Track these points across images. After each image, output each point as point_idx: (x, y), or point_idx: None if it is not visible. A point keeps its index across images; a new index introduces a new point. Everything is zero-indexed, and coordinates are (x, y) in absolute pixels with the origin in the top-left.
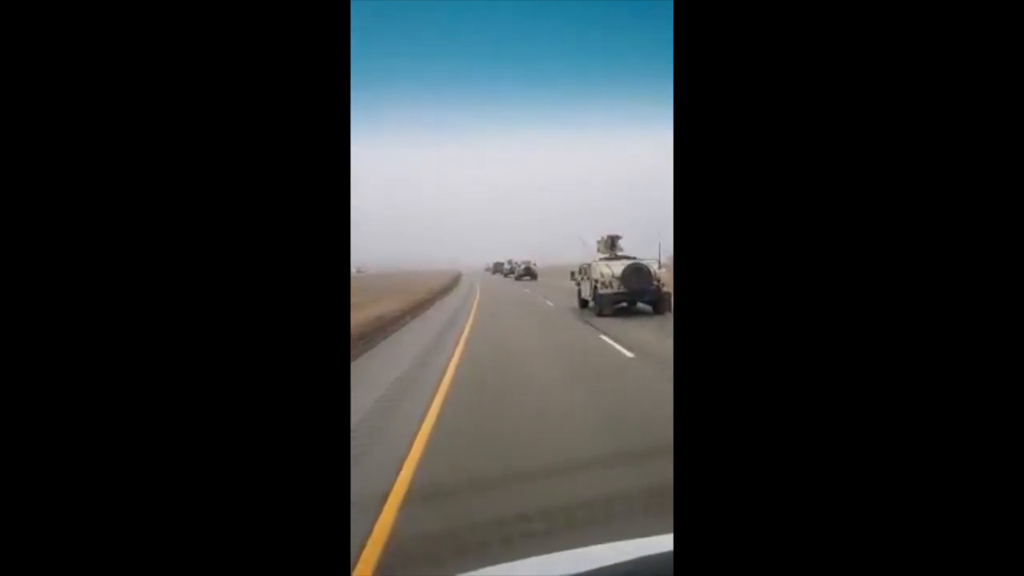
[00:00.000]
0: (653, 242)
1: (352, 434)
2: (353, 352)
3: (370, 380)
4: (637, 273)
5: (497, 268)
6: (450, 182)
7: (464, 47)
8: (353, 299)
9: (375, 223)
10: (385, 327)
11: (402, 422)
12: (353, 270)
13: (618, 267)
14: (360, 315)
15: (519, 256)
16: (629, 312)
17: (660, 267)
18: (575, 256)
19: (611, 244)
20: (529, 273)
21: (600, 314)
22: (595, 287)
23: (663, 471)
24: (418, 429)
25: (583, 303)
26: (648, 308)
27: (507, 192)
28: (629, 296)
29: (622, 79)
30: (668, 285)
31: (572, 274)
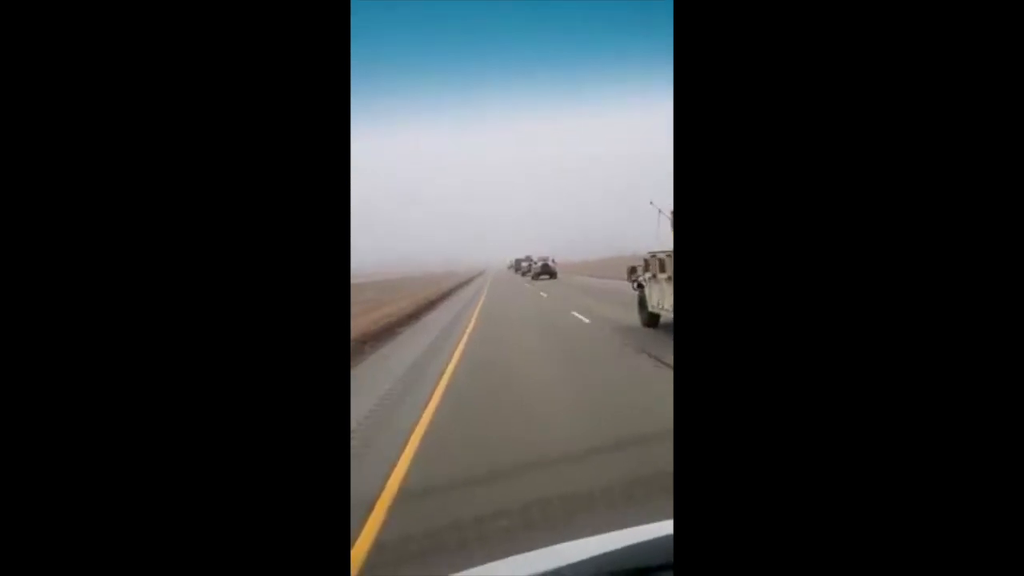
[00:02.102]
0: None
1: None
2: None
3: None
4: None
5: (518, 266)
6: (476, 181)
7: (484, 36)
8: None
9: (396, 224)
10: None
11: None
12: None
13: None
14: None
15: (542, 252)
16: None
17: None
18: (599, 254)
19: None
20: (547, 271)
21: None
22: None
23: None
24: None
25: (649, 319)
26: None
27: (532, 189)
28: None
29: (660, 64)
30: None
31: (632, 271)
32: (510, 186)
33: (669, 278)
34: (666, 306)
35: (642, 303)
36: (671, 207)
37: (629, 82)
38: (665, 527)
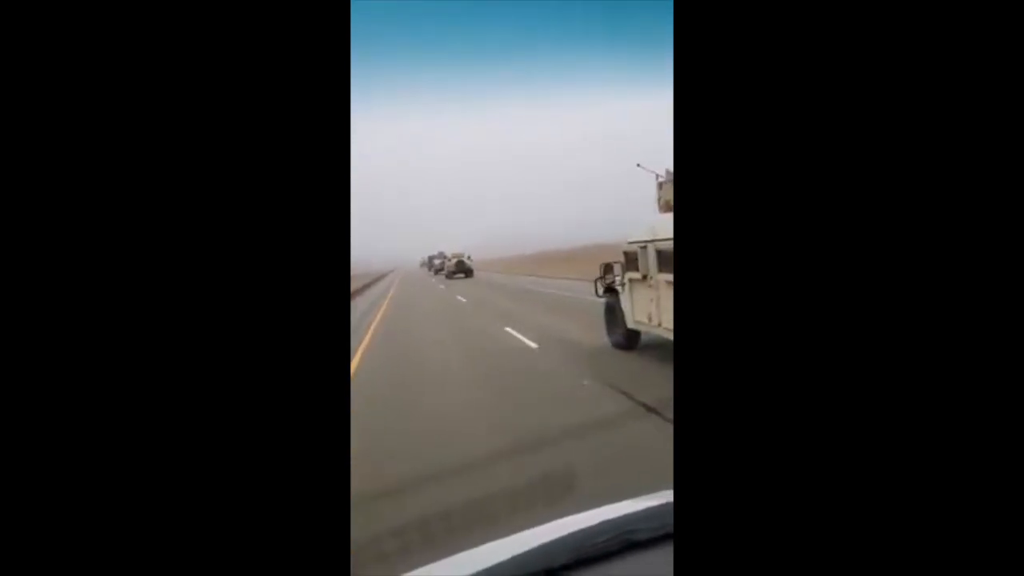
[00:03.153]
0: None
1: None
2: None
3: None
4: None
5: (431, 264)
6: (386, 171)
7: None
8: None
9: None
10: None
11: None
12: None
13: None
14: None
15: (459, 249)
16: None
17: None
18: (532, 248)
19: None
20: (462, 270)
21: None
22: None
23: None
24: None
25: (625, 338)
26: None
27: (454, 180)
28: None
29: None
30: None
31: (606, 270)
32: (428, 176)
33: (669, 282)
34: (664, 321)
35: (612, 313)
36: (667, 171)
37: (567, 60)
38: (665, 496)
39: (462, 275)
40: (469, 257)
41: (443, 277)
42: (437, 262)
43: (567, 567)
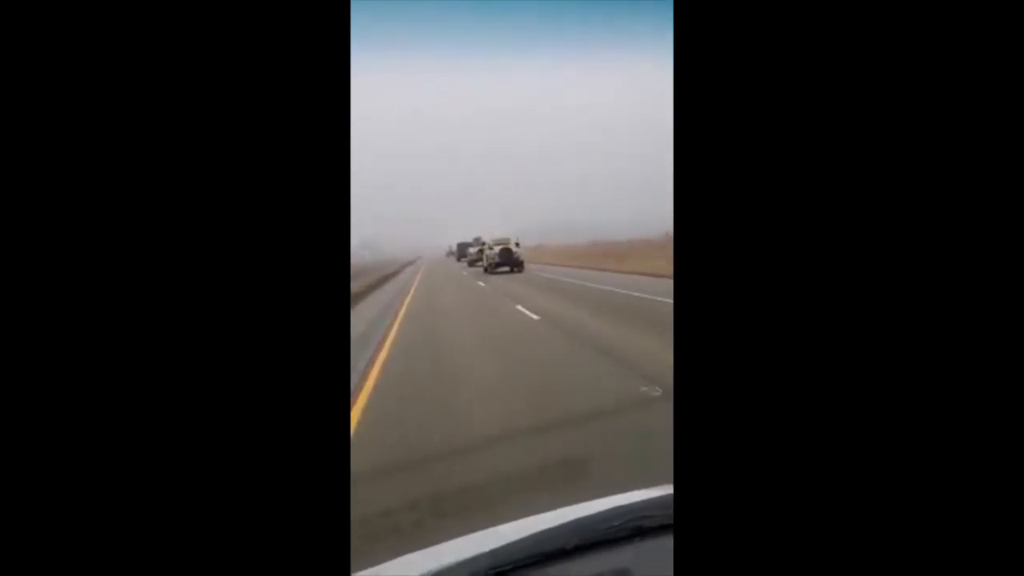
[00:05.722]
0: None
1: None
2: None
3: None
4: None
5: (462, 253)
6: (412, 143)
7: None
8: None
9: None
10: None
11: None
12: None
13: None
14: None
15: (498, 234)
16: None
17: None
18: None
19: None
20: (507, 261)
21: None
22: None
23: None
24: None
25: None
26: None
27: (491, 155)
28: None
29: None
30: None
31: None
32: (461, 152)
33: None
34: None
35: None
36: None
37: (623, 22)
38: (665, 488)
39: (507, 268)
40: (517, 244)
41: (482, 272)
42: (473, 251)
43: (575, 550)
